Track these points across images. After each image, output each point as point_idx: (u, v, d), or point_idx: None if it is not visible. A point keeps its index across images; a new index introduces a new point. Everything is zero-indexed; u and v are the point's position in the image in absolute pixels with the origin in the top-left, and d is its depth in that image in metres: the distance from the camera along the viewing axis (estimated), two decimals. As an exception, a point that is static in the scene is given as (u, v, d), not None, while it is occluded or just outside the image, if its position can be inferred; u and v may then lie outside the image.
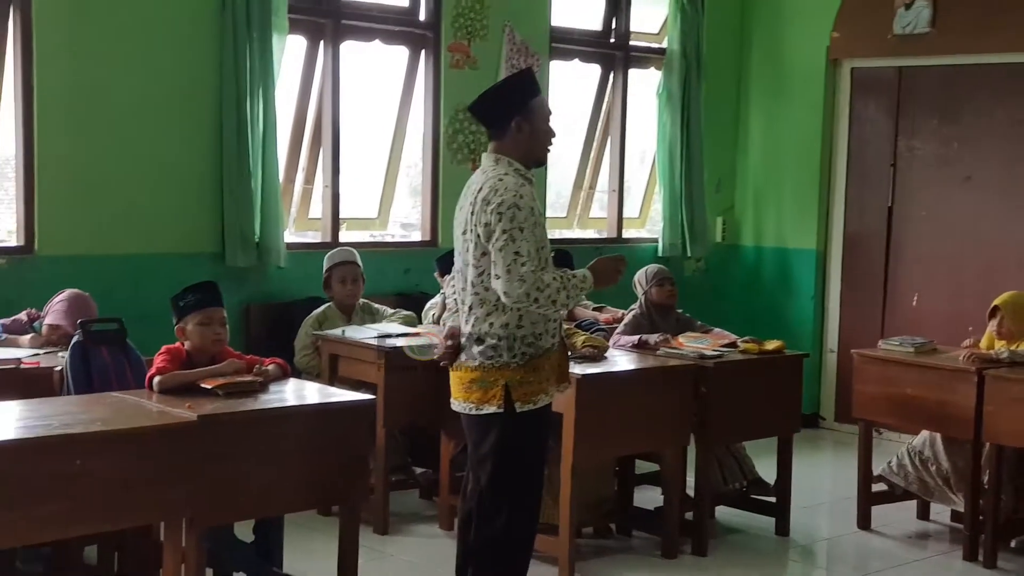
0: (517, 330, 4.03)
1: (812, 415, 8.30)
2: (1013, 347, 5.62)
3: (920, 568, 5.59)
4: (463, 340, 4.12)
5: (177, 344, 4.34)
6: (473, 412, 4.08)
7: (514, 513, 4.08)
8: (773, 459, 5.92)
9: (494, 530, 4.09)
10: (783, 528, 5.91)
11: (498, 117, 4.17)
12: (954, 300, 7.74)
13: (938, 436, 5.83)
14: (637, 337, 5.84)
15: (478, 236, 4.01)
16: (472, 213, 4.04)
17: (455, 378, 4.15)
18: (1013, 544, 5.72)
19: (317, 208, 6.94)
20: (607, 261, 4.22)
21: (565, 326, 5.78)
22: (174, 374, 4.20)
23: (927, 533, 6.10)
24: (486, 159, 4.20)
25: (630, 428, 5.28)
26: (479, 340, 4.05)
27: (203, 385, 4.17)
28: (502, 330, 4.03)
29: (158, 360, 4.25)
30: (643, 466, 6.08)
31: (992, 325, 5.80)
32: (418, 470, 6.12)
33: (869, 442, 6.02)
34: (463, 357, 4.10)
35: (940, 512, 6.17)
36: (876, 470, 6.04)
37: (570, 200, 8.35)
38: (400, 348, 5.37)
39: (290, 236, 6.70)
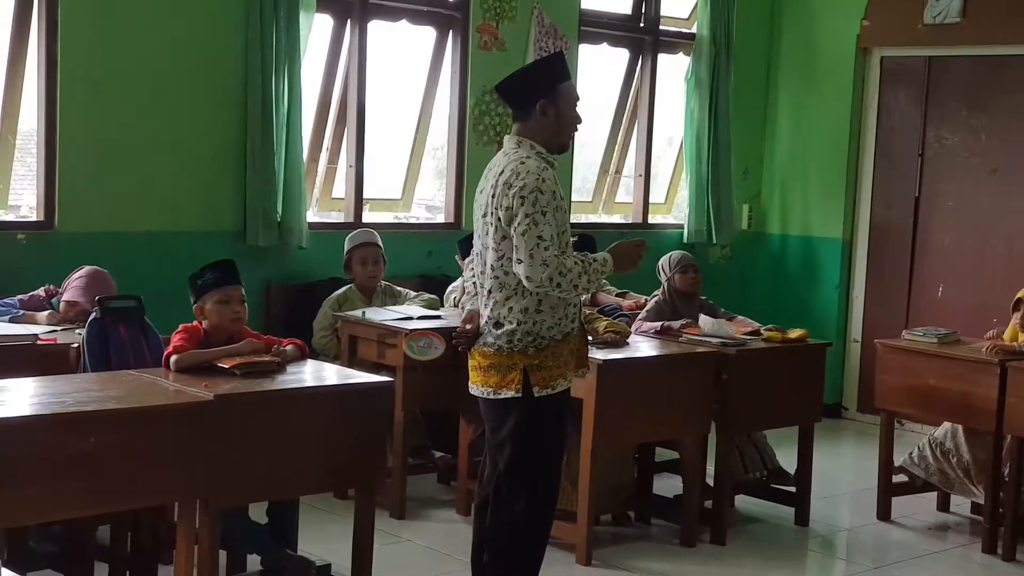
0: (536, 315, 4.00)
1: (835, 405, 8.25)
2: (1038, 340, 5.57)
3: (939, 560, 5.54)
4: (482, 324, 4.09)
5: (195, 323, 4.33)
6: (491, 396, 4.06)
7: (531, 499, 4.06)
8: (794, 448, 5.89)
9: (511, 515, 4.07)
10: (803, 518, 5.88)
11: (523, 99, 4.13)
12: (979, 291, 7.67)
13: (960, 428, 5.78)
14: (660, 323, 5.80)
15: (499, 219, 3.98)
16: (493, 196, 4.01)
17: (473, 362, 4.13)
18: (1034, 538, 5.68)
19: (340, 188, 6.93)
20: (627, 245, 4.18)
21: (587, 311, 5.77)
22: (191, 353, 4.19)
23: (947, 525, 6.06)
24: (508, 141, 4.17)
25: (651, 415, 5.26)
26: (498, 324, 4.03)
27: (220, 364, 4.16)
28: (521, 315, 4.00)
29: (175, 338, 4.23)
30: (663, 453, 6.05)
31: (1016, 317, 5.74)
32: (437, 454, 6.10)
33: (891, 433, 5.97)
34: (481, 341, 4.08)
35: (960, 504, 6.12)
36: (897, 461, 6.00)
37: (596, 185, 8.32)
38: (425, 331, 5.37)
39: (313, 216, 6.70)
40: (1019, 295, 5.76)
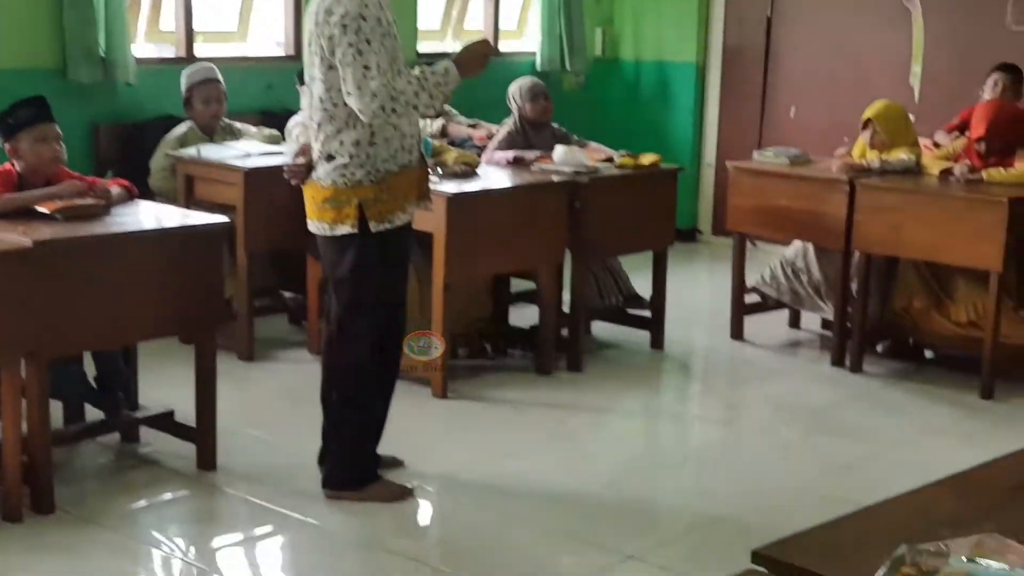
0: (370, 147, 3.82)
1: (690, 229, 8.30)
2: (884, 156, 5.60)
3: (790, 374, 5.66)
4: (314, 158, 3.90)
5: (6, 165, 4.04)
6: (327, 233, 3.90)
7: (375, 335, 3.95)
8: (649, 274, 5.89)
9: (355, 353, 3.96)
10: (658, 341, 5.92)
11: None
12: (831, 111, 7.70)
13: (810, 247, 5.85)
14: (512, 154, 5.68)
15: (323, 49, 3.76)
16: (316, 24, 3.77)
17: (308, 197, 3.95)
18: (879, 349, 5.82)
19: (169, 20, 6.52)
20: (472, 47, 3.95)
21: (436, 143, 5.61)
22: (5, 197, 3.91)
23: (798, 341, 6.18)
24: (334, -39, 3.89)
25: (504, 247, 5.19)
26: (330, 158, 3.84)
27: (39, 209, 3.90)
28: (354, 148, 3.81)
29: (-15, 183, 3.96)
30: (519, 284, 6.00)
31: (865, 136, 5.76)
32: (287, 294, 5.95)
33: (742, 254, 6.01)
34: (314, 176, 3.89)
35: (811, 321, 6.23)
36: (752, 282, 6.06)
37: (443, 10, 8.03)
38: (266, 169, 5.14)
39: (140, 50, 6.29)
40: (867, 114, 5.77)
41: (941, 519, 2.00)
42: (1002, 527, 1.93)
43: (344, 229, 3.84)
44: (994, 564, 1.74)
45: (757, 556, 1.86)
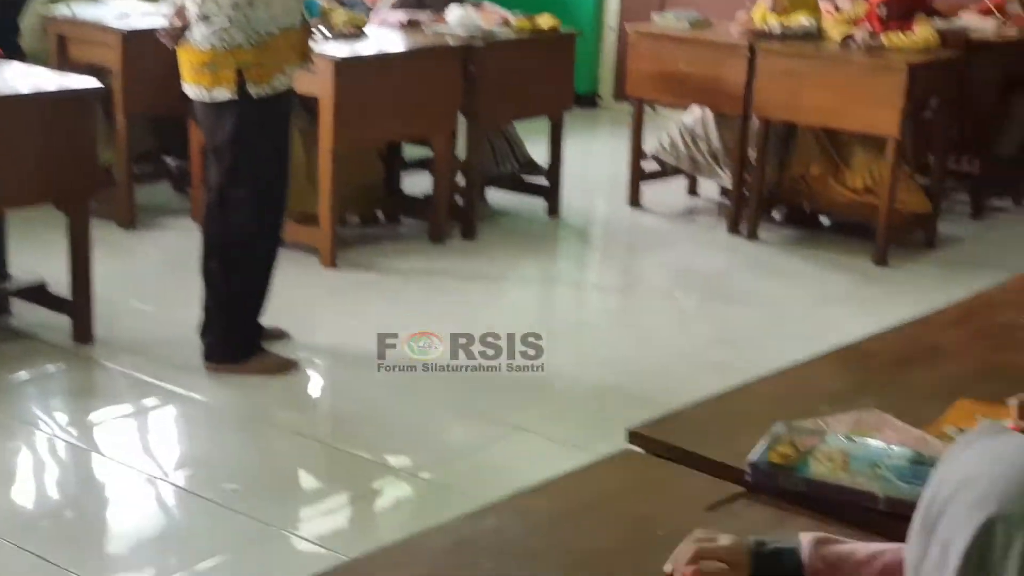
0: (249, 8, 3.61)
1: (590, 95, 8.15)
2: (785, 21, 5.50)
3: (687, 242, 5.65)
4: (191, 18, 3.68)
5: None
6: (205, 99, 3.70)
7: (256, 203, 3.80)
8: (547, 140, 5.77)
9: (236, 221, 3.81)
10: (554, 208, 5.84)
11: None
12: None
13: (709, 114, 5.77)
14: (405, 15, 5.48)
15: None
16: None
17: (183, 59, 3.74)
18: (776, 216, 5.80)
19: None
20: None
21: (324, 3, 5.38)
22: None
23: (695, 209, 6.14)
24: None
25: (395, 113, 5.04)
26: (207, 19, 3.63)
27: None
28: (232, 9, 3.60)
29: None
30: (414, 152, 5.85)
31: (765, -1, 5.65)
32: (171, 161, 5.73)
33: (640, 120, 5.91)
34: (190, 38, 3.68)
35: (709, 188, 6.19)
36: (649, 149, 5.97)
37: None
38: (146, 30, 4.88)
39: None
40: (768, -25, 5.65)
41: (822, 394, 1.96)
42: (882, 402, 1.89)
43: (222, 94, 3.66)
44: (871, 441, 1.70)
45: (633, 435, 1.80)
